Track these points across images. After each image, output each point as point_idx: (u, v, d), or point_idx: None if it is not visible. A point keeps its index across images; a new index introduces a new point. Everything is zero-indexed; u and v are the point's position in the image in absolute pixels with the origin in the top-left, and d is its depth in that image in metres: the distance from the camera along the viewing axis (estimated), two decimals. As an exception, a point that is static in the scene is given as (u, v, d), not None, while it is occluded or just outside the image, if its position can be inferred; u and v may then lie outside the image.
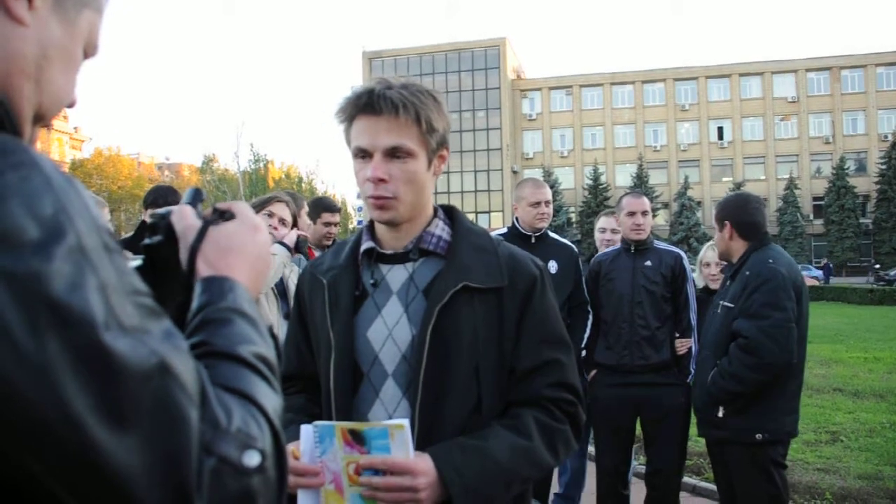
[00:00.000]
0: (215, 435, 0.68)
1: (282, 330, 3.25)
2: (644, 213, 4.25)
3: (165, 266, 0.93)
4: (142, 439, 0.62)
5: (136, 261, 0.94)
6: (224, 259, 0.90)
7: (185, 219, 0.94)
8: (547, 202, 4.32)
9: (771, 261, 3.29)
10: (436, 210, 1.67)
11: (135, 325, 0.65)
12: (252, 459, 0.69)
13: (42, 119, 0.80)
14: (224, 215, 0.94)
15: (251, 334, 0.83)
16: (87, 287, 0.62)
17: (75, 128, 61.04)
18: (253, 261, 0.93)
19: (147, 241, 0.95)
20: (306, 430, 1.49)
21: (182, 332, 0.79)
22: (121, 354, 0.62)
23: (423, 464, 1.41)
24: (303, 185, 52.65)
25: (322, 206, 4.82)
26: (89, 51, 0.84)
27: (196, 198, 0.97)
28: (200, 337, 0.80)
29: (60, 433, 0.59)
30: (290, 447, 1.49)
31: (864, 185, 53.54)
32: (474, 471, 1.44)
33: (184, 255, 0.91)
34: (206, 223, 0.91)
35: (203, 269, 0.89)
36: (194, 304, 0.85)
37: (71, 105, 0.83)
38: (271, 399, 0.78)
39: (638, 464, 5.16)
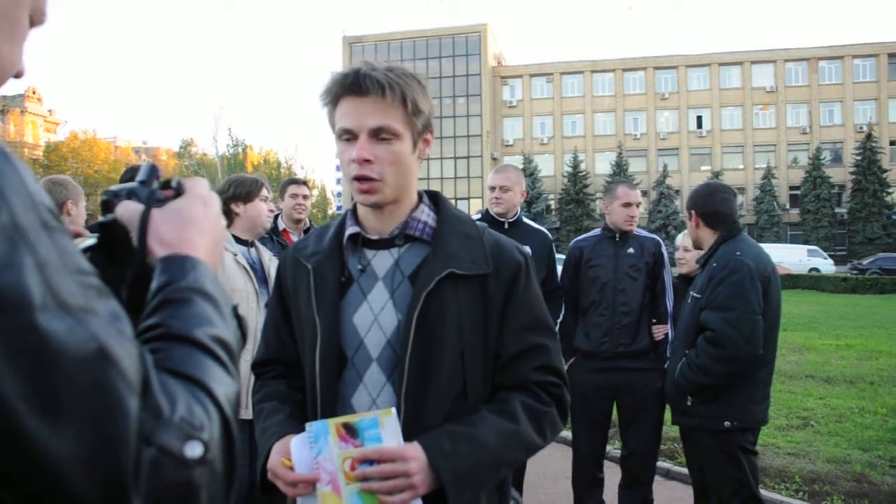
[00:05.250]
0: (156, 424, 0.64)
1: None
2: (638, 204, 4.32)
3: (120, 244, 0.90)
4: (76, 428, 0.59)
5: (91, 239, 0.92)
6: (181, 236, 0.86)
7: (128, 207, 0.91)
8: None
9: (738, 253, 3.31)
10: (421, 196, 1.68)
11: (79, 304, 0.62)
12: (194, 450, 0.66)
13: None
14: (169, 185, 0.92)
15: (211, 315, 0.79)
16: (21, 266, 0.58)
17: (49, 110, 59.95)
18: (208, 236, 0.90)
19: (101, 219, 0.93)
20: (299, 438, 1.50)
21: (137, 313, 0.77)
22: (56, 338, 0.58)
23: (413, 450, 1.44)
24: (281, 170, 52.31)
25: (286, 182, 5.21)
26: (36, 18, 0.78)
27: (152, 174, 0.94)
28: (157, 318, 0.76)
29: None
30: (281, 458, 1.51)
31: (840, 175, 54.01)
32: (463, 456, 1.47)
33: (135, 240, 0.88)
34: (148, 207, 0.88)
35: (159, 249, 0.85)
36: (154, 283, 0.81)
37: (18, 75, 0.78)
38: (225, 385, 0.74)
39: (613, 448, 5.23)
